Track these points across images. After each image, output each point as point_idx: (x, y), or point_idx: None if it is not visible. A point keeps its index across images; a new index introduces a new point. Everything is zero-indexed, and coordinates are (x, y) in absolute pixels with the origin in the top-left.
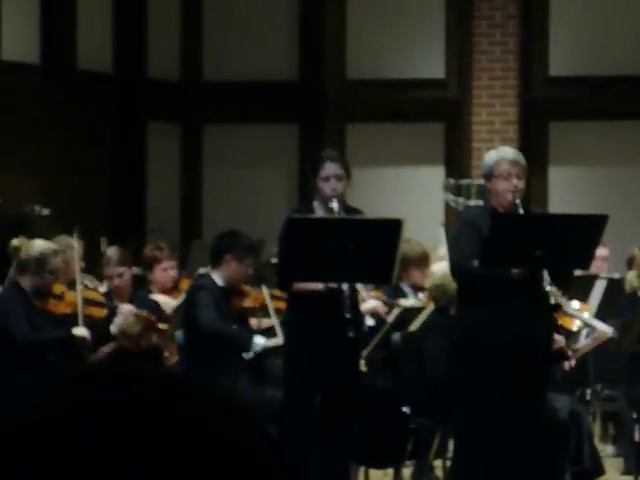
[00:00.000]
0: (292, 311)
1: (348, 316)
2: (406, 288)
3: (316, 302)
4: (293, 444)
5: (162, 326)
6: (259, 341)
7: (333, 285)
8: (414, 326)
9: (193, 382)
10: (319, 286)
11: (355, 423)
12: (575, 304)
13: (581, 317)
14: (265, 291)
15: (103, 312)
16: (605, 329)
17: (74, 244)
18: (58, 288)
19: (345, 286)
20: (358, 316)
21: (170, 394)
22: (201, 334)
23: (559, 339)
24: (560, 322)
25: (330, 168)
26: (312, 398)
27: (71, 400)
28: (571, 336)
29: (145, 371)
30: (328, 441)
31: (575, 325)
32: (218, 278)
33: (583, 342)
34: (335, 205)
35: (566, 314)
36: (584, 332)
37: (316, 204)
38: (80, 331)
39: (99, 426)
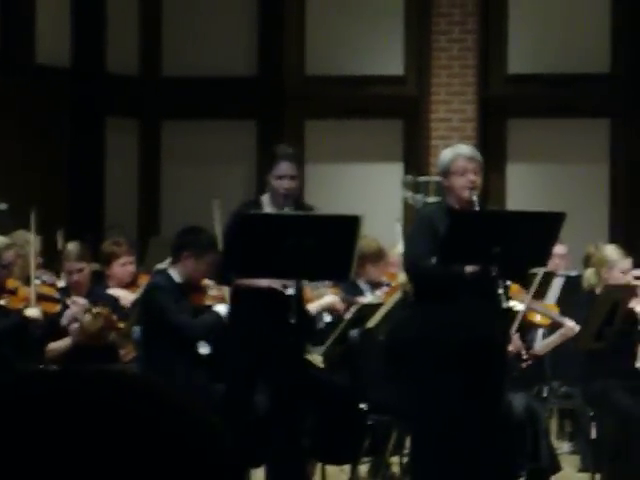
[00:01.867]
0: (234, 310)
1: (292, 321)
2: (362, 284)
3: (259, 303)
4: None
5: (120, 324)
6: (221, 309)
7: (279, 288)
8: (372, 322)
9: (143, 381)
10: (264, 282)
11: (308, 418)
12: (538, 303)
13: (548, 314)
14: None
15: (57, 307)
16: (573, 325)
17: (32, 239)
18: (12, 283)
19: (291, 290)
20: (302, 321)
21: (118, 393)
22: (161, 331)
23: (515, 341)
24: (528, 319)
25: (284, 167)
26: (251, 397)
27: (18, 399)
28: (529, 329)
29: (95, 371)
30: (280, 440)
31: (543, 321)
32: (176, 274)
33: (547, 340)
34: (287, 207)
35: (533, 310)
36: (540, 332)
37: (265, 199)
38: (32, 312)
39: (45, 426)
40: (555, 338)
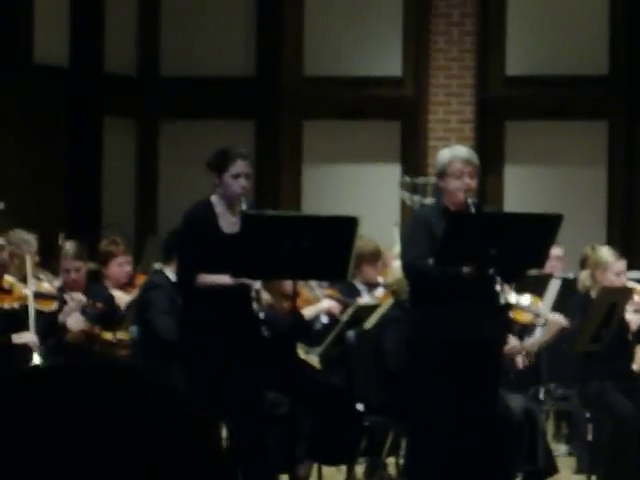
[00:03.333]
0: (190, 309)
1: (262, 316)
2: (359, 285)
3: (219, 300)
4: None
5: (106, 335)
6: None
7: (247, 282)
8: (369, 323)
9: (131, 374)
10: (226, 279)
11: (303, 421)
12: (526, 298)
13: (533, 310)
14: None
15: (53, 305)
16: (558, 319)
17: (30, 239)
18: (7, 281)
19: (258, 284)
20: (299, 321)
21: (114, 392)
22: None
23: (513, 342)
24: (513, 317)
25: (241, 166)
26: (218, 395)
27: (18, 399)
28: (525, 331)
29: (85, 366)
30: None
31: (527, 318)
32: (171, 274)
33: (535, 336)
34: (244, 205)
35: (518, 308)
36: (538, 329)
37: (215, 199)
38: (27, 337)
39: (30, 423)
40: (543, 333)
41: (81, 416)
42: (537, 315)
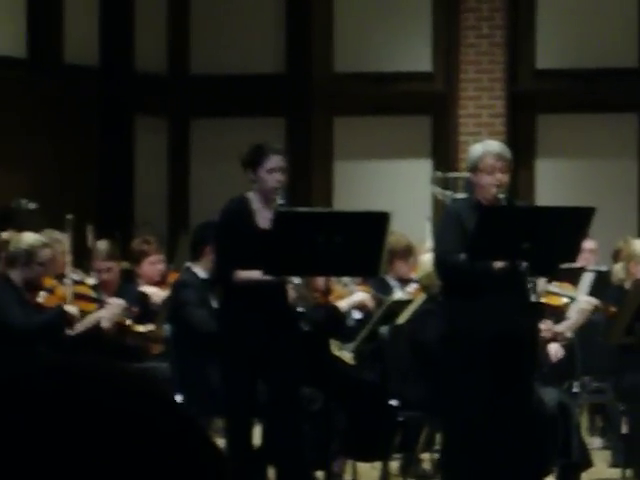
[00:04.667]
0: (228, 305)
1: (301, 310)
2: (392, 281)
3: (257, 295)
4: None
5: (139, 328)
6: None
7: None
8: (402, 319)
9: (139, 379)
10: (262, 276)
11: (337, 418)
12: (554, 284)
13: (566, 294)
14: None
15: (93, 306)
16: (590, 300)
17: (63, 238)
18: (49, 282)
19: (298, 279)
20: (333, 316)
21: (115, 391)
22: (190, 330)
23: (547, 325)
24: (547, 301)
25: (276, 160)
26: (254, 392)
27: (22, 393)
28: (559, 316)
29: (92, 365)
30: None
31: (561, 302)
32: (200, 271)
33: (569, 320)
34: (280, 199)
35: (552, 293)
36: (572, 313)
37: (251, 195)
38: (71, 309)
39: (44, 421)
40: (576, 316)
41: (75, 410)
42: (571, 298)
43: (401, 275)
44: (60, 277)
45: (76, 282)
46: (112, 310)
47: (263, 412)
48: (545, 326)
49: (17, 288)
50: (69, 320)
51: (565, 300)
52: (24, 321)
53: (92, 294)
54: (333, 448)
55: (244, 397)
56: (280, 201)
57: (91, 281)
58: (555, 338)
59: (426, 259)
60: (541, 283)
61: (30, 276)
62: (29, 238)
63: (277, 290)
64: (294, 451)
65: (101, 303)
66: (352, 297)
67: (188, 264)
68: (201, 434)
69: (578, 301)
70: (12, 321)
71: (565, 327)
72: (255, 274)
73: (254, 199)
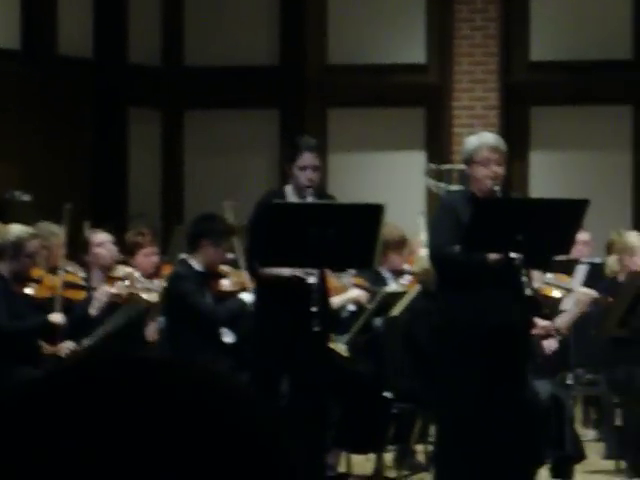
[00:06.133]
0: (260, 299)
1: (314, 309)
2: (385, 273)
3: (283, 292)
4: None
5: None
6: (246, 297)
7: (302, 276)
8: (396, 311)
9: (192, 366)
10: (287, 271)
11: (331, 410)
12: (550, 275)
13: (562, 285)
14: (246, 275)
15: (82, 294)
16: (587, 291)
17: (58, 231)
18: (37, 272)
19: (313, 279)
20: (326, 309)
21: (173, 379)
22: (185, 320)
23: (544, 323)
24: (543, 293)
25: (308, 158)
26: (278, 387)
27: (69, 384)
28: (555, 309)
29: (144, 356)
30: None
31: (557, 294)
32: (196, 263)
33: (566, 313)
34: (310, 197)
35: (548, 284)
36: (568, 307)
37: (288, 189)
38: (55, 317)
39: (97, 411)
40: (573, 308)
41: (148, 402)
42: (567, 290)
43: (395, 267)
44: (54, 270)
45: (68, 272)
46: (100, 297)
47: (287, 408)
48: (542, 325)
49: (5, 281)
50: (53, 329)
51: (560, 292)
52: (6, 323)
53: (81, 282)
54: (327, 440)
55: (269, 394)
56: (310, 199)
57: (82, 274)
58: (552, 334)
59: (423, 254)
60: (537, 275)
61: (18, 268)
62: (16, 230)
63: (300, 288)
64: (315, 445)
65: (90, 291)
66: (347, 294)
67: (184, 256)
68: (275, 431)
69: (575, 292)
70: None
71: (563, 322)
72: (277, 270)
73: (290, 193)
